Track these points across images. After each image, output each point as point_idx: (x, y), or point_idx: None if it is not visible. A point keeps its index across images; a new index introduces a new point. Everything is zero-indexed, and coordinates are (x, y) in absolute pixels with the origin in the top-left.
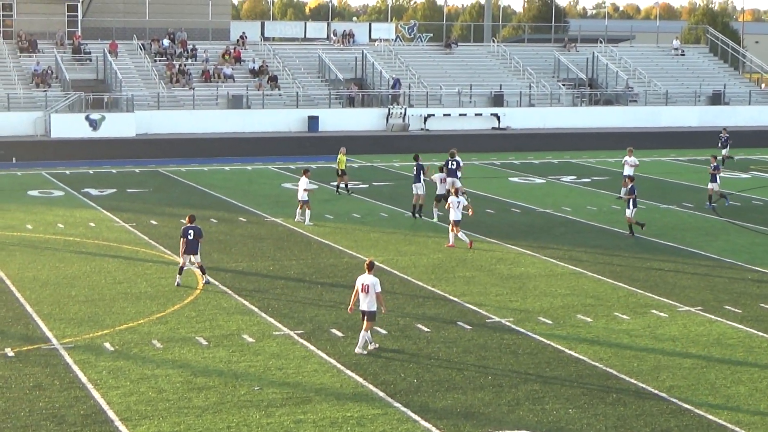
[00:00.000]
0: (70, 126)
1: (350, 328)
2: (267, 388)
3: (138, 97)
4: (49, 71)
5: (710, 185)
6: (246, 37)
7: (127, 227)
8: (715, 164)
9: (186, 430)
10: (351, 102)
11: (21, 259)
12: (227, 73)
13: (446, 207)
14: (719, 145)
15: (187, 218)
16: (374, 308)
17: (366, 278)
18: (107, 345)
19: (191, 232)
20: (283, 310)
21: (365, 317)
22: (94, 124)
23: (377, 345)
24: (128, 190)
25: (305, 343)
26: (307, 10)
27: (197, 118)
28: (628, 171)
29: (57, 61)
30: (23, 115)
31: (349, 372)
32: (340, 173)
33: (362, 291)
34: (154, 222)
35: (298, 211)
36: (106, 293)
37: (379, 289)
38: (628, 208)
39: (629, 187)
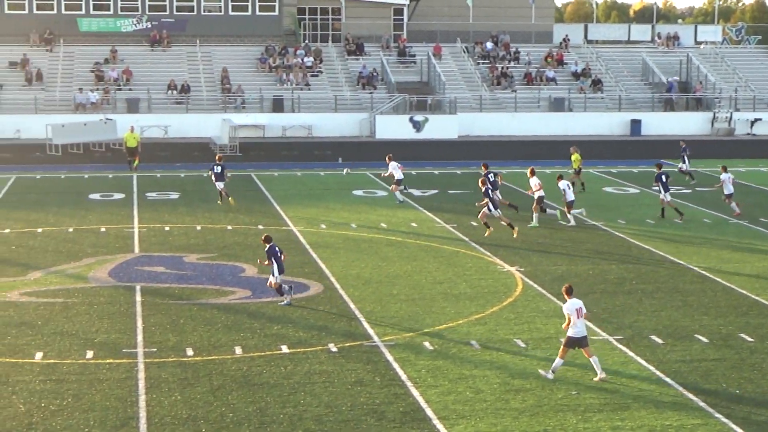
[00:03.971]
0: (394, 127)
1: (670, 335)
2: (584, 393)
3: (461, 99)
4: (375, 73)
5: (661, 195)
6: (569, 40)
7: (448, 228)
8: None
9: (502, 431)
10: (681, 105)
11: (345, 257)
12: (549, 75)
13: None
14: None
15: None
16: (585, 332)
17: (578, 302)
18: (427, 344)
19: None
20: (601, 315)
21: (578, 344)
22: (418, 126)
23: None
24: (449, 192)
25: (624, 348)
26: (631, 12)
27: (519, 120)
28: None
29: (382, 64)
30: (349, 117)
31: (668, 380)
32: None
33: (579, 316)
34: (473, 223)
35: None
36: (426, 293)
37: (584, 311)
38: None
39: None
